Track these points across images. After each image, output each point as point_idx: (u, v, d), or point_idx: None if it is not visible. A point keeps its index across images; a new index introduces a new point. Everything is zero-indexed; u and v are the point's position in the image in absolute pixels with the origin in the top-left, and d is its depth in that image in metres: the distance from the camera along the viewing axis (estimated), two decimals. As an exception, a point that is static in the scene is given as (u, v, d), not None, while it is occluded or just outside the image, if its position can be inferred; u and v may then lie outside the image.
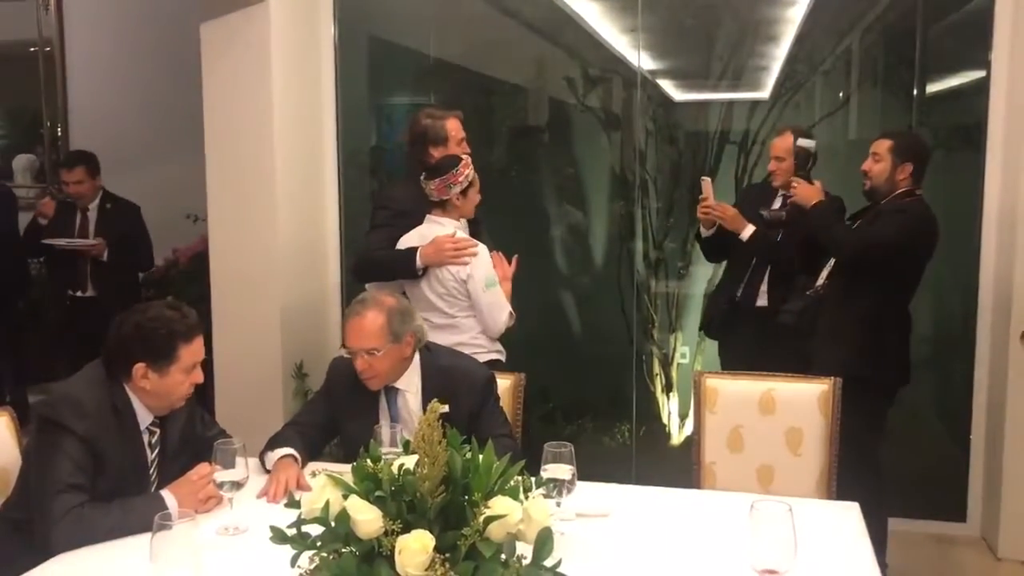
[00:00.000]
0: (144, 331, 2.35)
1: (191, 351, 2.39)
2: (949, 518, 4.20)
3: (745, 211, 4.00)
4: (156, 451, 2.47)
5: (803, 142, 3.83)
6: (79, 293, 5.07)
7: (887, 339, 3.52)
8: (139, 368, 2.34)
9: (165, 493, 2.30)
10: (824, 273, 3.68)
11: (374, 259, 3.55)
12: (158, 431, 2.47)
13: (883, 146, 3.53)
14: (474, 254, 3.37)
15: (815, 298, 3.67)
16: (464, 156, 3.48)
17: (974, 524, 4.17)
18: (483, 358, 3.36)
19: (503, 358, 3.52)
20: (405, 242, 3.47)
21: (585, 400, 5.07)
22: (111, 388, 2.37)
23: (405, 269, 3.42)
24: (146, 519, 2.09)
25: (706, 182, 3.94)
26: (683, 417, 4.84)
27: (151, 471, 2.46)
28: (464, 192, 3.42)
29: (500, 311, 3.41)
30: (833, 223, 3.57)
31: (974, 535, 4.15)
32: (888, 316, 3.53)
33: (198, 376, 2.43)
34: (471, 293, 3.38)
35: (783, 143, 3.89)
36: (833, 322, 3.55)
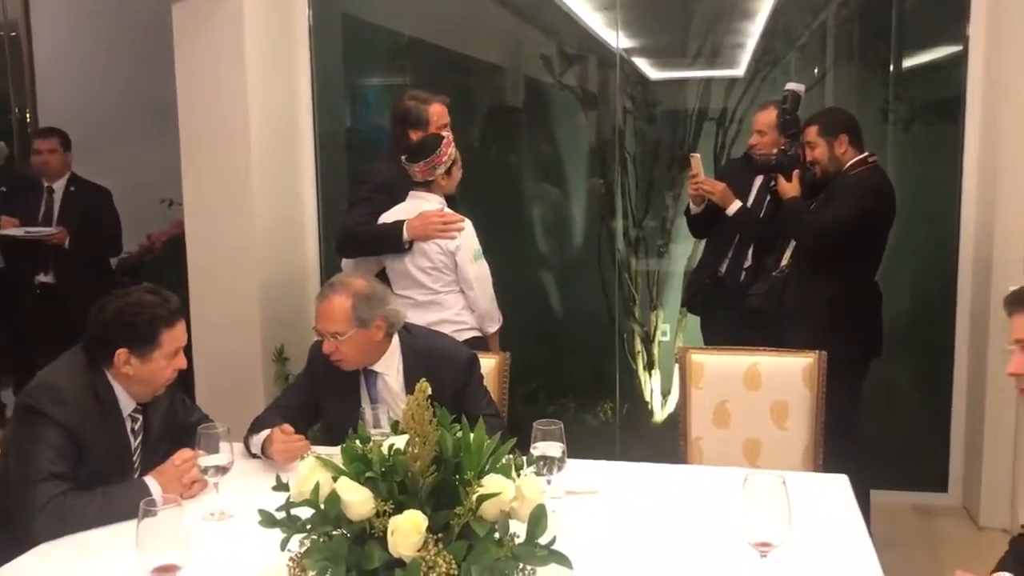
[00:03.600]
0: (125, 317, 2.32)
1: (173, 336, 2.36)
2: (931, 488, 4.25)
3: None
4: (139, 438, 2.45)
5: (792, 85, 3.77)
6: (41, 277, 5.01)
7: (855, 314, 3.54)
8: (121, 354, 2.31)
9: (148, 479, 2.27)
10: (788, 253, 3.70)
11: (359, 233, 3.53)
12: (140, 417, 2.45)
13: (811, 133, 3.59)
14: (461, 228, 3.39)
15: (780, 279, 3.68)
16: (445, 134, 3.46)
17: (956, 494, 4.21)
18: (466, 335, 3.38)
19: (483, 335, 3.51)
20: (389, 217, 3.45)
21: (567, 379, 5.07)
22: (92, 375, 2.34)
23: (391, 243, 3.42)
24: (129, 506, 2.04)
25: (695, 158, 3.92)
26: (665, 394, 4.84)
27: (134, 457, 2.43)
28: (448, 171, 3.43)
29: (489, 283, 3.46)
30: (799, 214, 3.59)
31: (956, 505, 4.19)
32: (854, 291, 3.55)
33: (181, 361, 2.40)
34: (459, 266, 3.40)
35: (766, 117, 3.87)
36: (800, 301, 3.57)
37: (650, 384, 4.93)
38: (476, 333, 3.46)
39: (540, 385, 4.96)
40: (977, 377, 3.99)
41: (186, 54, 4.08)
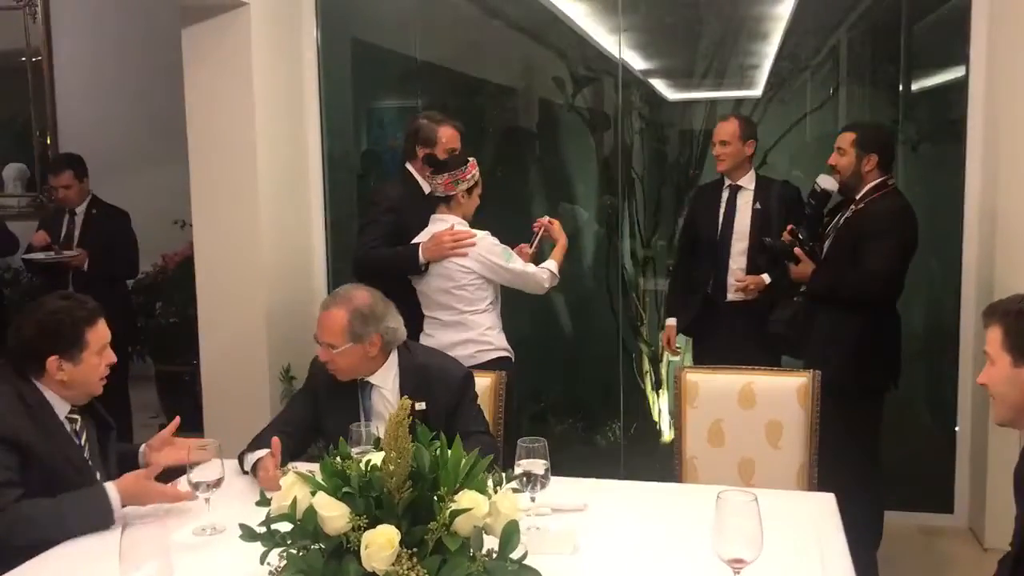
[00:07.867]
0: (48, 325, 2.39)
1: (97, 334, 2.44)
2: (937, 510, 4.22)
3: (699, 211, 4.06)
4: (83, 437, 2.49)
5: (825, 184, 3.61)
6: None
7: (880, 340, 3.52)
8: (52, 362, 2.37)
9: (109, 486, 2.30)
10: None
11: (377, 257, 3.55)
12: (79, 418, 2.49)
13: (847, 139, 3.53)
14: (472, 244, 3.41)
15: (803, 303, 3.66)
16: (471, 158, 3.53)
17: (961, 515, 4.18)
18: (491, 355, 3.42)
19: (511, 356, 3.53)
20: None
21: (576, 399, 5.09)
22: (18, 385, 2.39)
23: (408, 266, 3.45)
24: (87, 512, 2.18)
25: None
26: (674, 415, 4.84)
27: (86, 455, 2.47)
28: (469, 191, 3.50)
29: (530, 277, 3.51)
30: (835, 283, 3.53)
31: (961, 526, 4.17)
32: (879, 316, 3.53)
33: (110, 356, 2.47)
34: (497, 275, 3.46)
35: (729, 127, 3.88)
36: (825, 327, 3.53)
37: (658, 404, 4.94)
38: (502, 353, 3.48)
39: (548, 405, 4.98)
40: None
41: (194, 77, 4.15)
